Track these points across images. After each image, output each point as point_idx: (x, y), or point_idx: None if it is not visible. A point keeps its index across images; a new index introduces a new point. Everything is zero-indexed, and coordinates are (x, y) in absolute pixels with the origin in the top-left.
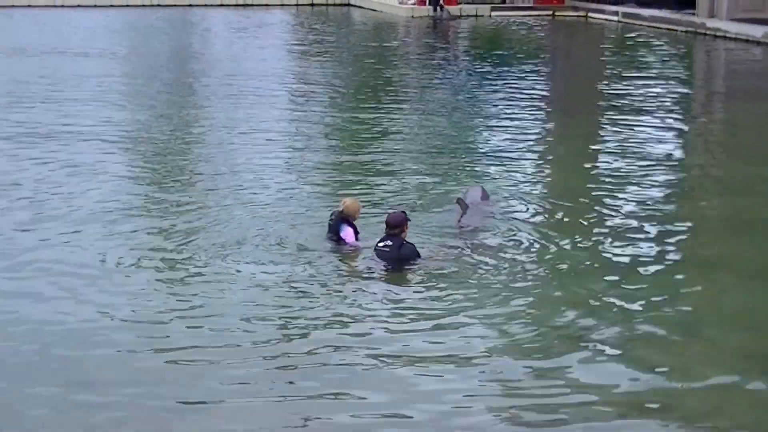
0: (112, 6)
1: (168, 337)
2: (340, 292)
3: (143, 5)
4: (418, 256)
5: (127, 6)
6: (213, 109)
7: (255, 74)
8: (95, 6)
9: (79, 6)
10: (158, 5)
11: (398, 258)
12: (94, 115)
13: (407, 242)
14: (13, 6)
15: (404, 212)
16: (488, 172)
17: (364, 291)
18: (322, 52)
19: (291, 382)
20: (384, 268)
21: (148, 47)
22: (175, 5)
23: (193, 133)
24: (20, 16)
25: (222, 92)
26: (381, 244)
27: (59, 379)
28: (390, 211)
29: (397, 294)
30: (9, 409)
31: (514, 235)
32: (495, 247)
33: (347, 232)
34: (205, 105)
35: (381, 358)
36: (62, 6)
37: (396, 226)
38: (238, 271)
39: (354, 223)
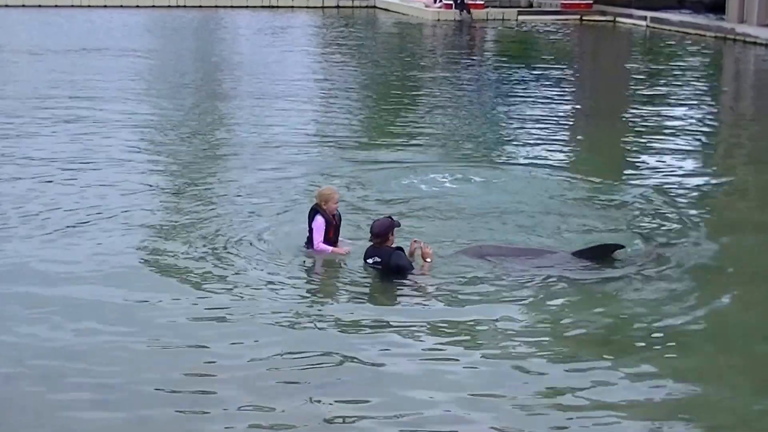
0: (138, 6)
1: (179, 338)
2: (326, 300)
3: (169, 6)
4: (411, 267)
5: (153, 6)
6: (236, 109)
7: (279, 76)
8: (121, 6)
9: (105, 6)
10: (184, 6)
11: (390, 268)
12: (117, 113)
13: (397, 249)
14: (40, 6)
15: (390, 217)
16: (512, 172)
17: (355, 303)
18: (348, 54)
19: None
20: (374, 281)
21: (174, 48)
22: (200, 6)
23: (216, 133)
24: (48, 16)
25: (245, 93)
26: (370, 261)
27: (71, 381)
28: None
29: (384, 307)
30: (23, 408)
31: (539, 239)
32: (514, 253)
33: (317, 226)
34: (229, 105)
35: (376, 364)
36: (89, 6)
37: (379, 234)
38: (246, 272)
39: (326, 212)
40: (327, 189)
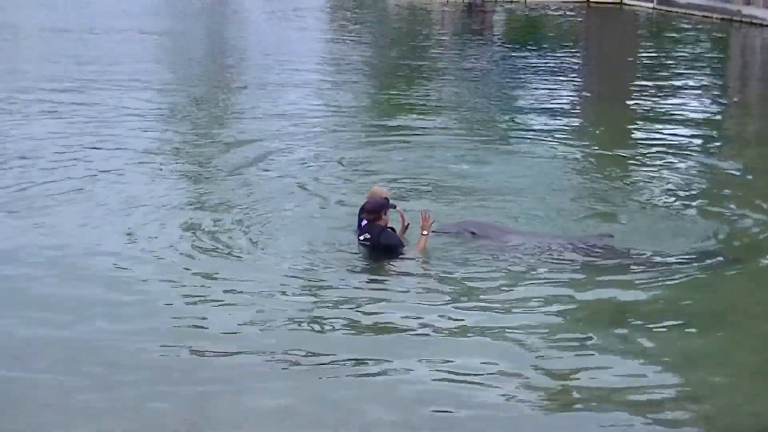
0: None
1: (196, 319)
2: (326, 282)
3: None
4: (401, 245)
5: None
6: (247, 91)
7: (289, 58)
8: None
9: None
10: None
11: (379, 247)
12: (126, 96)
13: (388, 228)
14: None
15: (386, 197)
16: (519, 155)
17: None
18: (357, 37)
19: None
20: (366, 259)
21: (181, 30)
22: None
23: (227, 115)
24: None
25: (255, 75)
26: (361, 238)
27: (90, 362)
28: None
29: (381, 285)
30: (49, 384)
31: (542, 220)
32: (502, 233)
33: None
34: (239, 87)
35: (372, 340)
36: None
37: (371, 211)
38: (264, 256)
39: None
40: (378, 190)
